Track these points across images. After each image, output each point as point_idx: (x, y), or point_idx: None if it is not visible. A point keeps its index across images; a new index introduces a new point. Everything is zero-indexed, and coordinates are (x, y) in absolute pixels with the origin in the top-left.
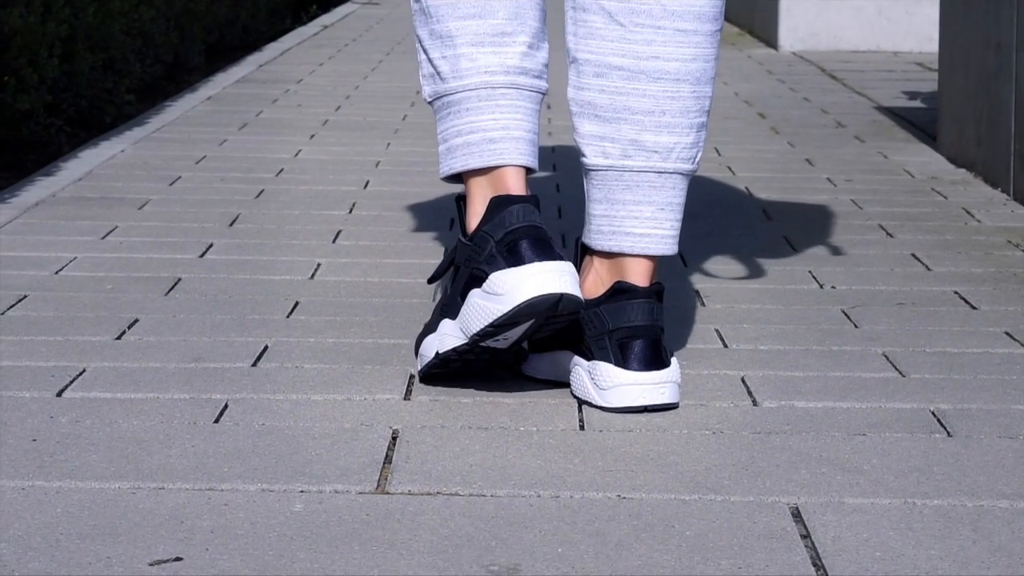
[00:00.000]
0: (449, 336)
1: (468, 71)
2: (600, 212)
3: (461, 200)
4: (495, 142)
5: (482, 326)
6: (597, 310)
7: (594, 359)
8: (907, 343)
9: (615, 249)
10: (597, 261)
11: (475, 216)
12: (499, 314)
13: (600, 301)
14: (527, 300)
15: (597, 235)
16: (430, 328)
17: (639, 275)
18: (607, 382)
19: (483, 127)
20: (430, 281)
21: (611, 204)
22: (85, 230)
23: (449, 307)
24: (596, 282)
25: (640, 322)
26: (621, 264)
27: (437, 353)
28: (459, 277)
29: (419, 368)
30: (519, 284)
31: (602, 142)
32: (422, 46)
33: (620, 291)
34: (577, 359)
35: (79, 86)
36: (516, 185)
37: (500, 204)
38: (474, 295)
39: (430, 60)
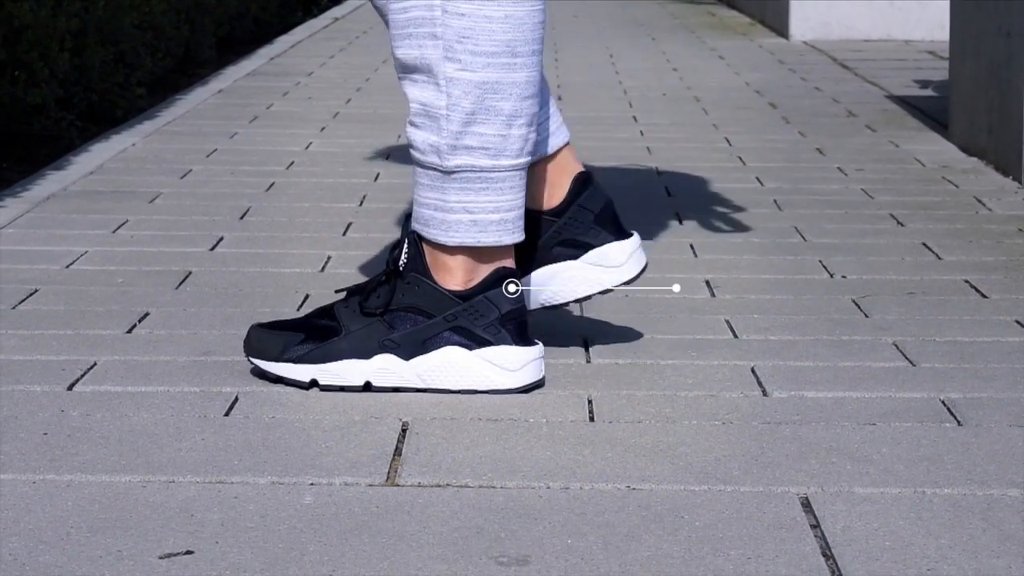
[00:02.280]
0: (392, 374)
1: (521, 151)
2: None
3: (418, 239)
4: (521, 218)
5: (473, 388)
6: (578, 205)
7: (598, 247)
8: (917, 332)
9: (565, 141)
10: (541, 169)
11: (457, 280)
12: (506, 387)
13: (576, 194)
14: (534, 382)
15: (554, 135)
16: (348, 351)
17: (576, 160)
18: (620, 259)
19: (518, 204)
20: (351, 293)
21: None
22: (96, 224)
23: (400, 347)
24: (553, 192)
25: (607, 196)
26: (562, 161)
27: (368, 383)
28: (430, 325)
29: (319, 380)
30: (529, 364)
31: None
32: (466, 117)
33: (586, 180)
34: (572, 264)
35: (90, 80)
36: (513, 257)
37: (500, 277)
38: (470, 359)
39: (478, 134)
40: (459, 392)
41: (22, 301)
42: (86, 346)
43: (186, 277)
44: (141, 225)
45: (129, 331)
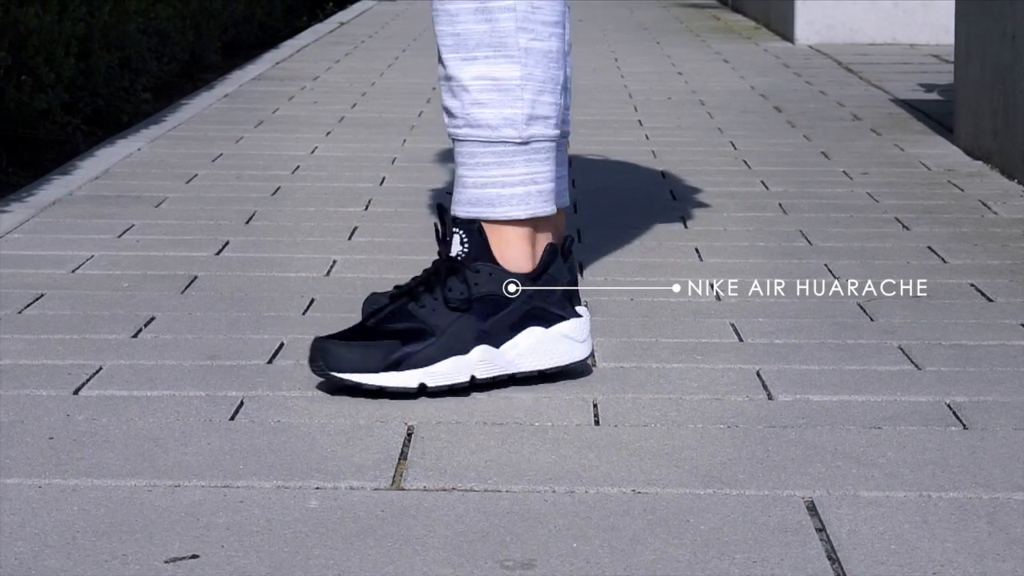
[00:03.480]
0: (490, 364)
1: (563, 121)
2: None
3: (472, 226)
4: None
5: (557, 365)
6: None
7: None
8: (923, 336)
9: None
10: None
11: (523, 255)
12: (581, 358)
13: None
14: (593, 349)
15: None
16: (448, 349)
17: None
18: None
19: (555, 174)
20: (399, 295)
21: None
22: (102, 228)
23: (491, 335)
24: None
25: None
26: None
27: (473, 377)
28: (511, 311)
29: (428, 383)
30: (590, 333)
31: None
32: (539, 86)
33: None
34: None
35: (96, 85)
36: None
37: (554, 251)
38: (550, 336)
39: (547, 103)
40: (546, 371)
41: (28, 305)
42: (92, 350)
43: (192, 282)
44: (147, 230)
45: (135, 335)
